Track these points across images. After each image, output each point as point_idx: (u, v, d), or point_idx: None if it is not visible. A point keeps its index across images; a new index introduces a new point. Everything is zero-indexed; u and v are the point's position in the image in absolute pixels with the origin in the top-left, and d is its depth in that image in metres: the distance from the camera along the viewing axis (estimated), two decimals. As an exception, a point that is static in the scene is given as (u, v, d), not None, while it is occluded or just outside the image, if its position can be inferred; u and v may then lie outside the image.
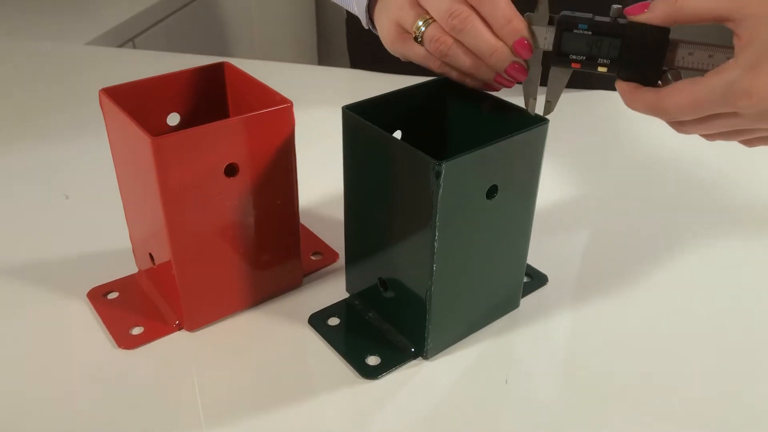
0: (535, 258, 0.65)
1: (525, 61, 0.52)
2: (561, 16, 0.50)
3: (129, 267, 0.63)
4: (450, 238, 0.49)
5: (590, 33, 0.49)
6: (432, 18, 0.52)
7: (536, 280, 0.63)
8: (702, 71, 0.47)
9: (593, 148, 0.84)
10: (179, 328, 0.57)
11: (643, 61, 0.48)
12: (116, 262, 0.64)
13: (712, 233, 0.69)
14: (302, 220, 0.70)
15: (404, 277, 0.53)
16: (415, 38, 0.53)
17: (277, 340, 0.56)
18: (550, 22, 0.51)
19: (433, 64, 0.56)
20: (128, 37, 1.45)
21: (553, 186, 0.76)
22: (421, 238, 0.49)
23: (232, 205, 0.53)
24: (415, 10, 0.53)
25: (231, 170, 0.52)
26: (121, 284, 0.61)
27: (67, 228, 0.70)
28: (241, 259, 0.56)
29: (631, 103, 0.50)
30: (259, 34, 2.10)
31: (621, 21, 0.48)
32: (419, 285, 0.51)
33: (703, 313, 0.59)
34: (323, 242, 0.67)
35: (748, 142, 0.51)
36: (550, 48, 0.52)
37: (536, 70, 0.53)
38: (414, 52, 0.55)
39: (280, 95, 0.54)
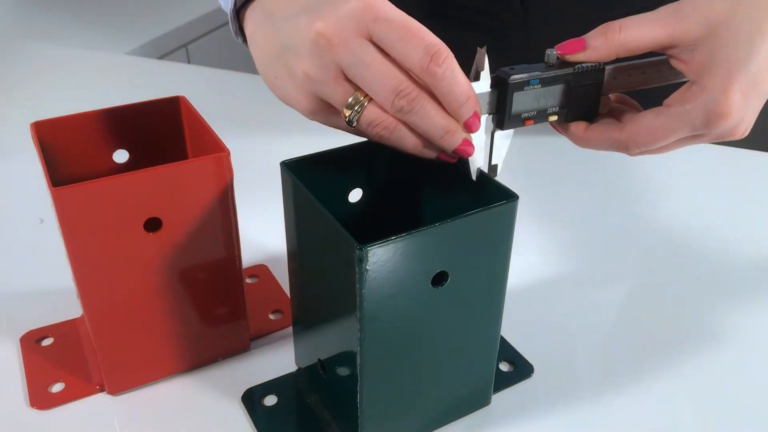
0: (523, 342, 0.55)
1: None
2: (510, 79, 0.44)
3: (76, 309, 0.58)
4: (382, 330, 0.41)
5: (540, 86, 0.45)
6: (366, 97, 0.43)
7: (519, 369, 0.53)
8: (636, 90, 0.48)
9: (594, 208, 0.73)
10: (102, 389, 0.51)
11: (585, 98, 0.47)
12: (65, 302, 0.59)
13: (721, 312, 0.58)
14: (275, 271, 0.63)
15: (337, 364, 0.45)
16: (348, 121, 0.44)
17: (203, 415, 0.50)
18: (493, 84, 0.45)
19: (368, 136, 0.47)
20: (171, 48, 1.43)
21: (553, 252, 0.66)
22: (348, 327, 0.41)
23: (156, 263, 0.47)
24: (342, 86, 0.42)
25: (153, 225, 0.46)
26: (60, 329, 0.57)
27: (22, 258, 0.66)
28: (171, 321, 0.50)
29: (586, 143, 0.48)
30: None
31: (557, 63, 0.46)
32: (350, 375, 0.43)
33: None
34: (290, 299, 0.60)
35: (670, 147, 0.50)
36: (494, 111, 0.46)
37: (484, 139, 0.45)
38: (343, 125, 0.46)
39: (220, 142, 0.47)
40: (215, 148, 0.47)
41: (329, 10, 0.42)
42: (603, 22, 0.46)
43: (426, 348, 0.44)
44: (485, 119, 0.45)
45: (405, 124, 0.42)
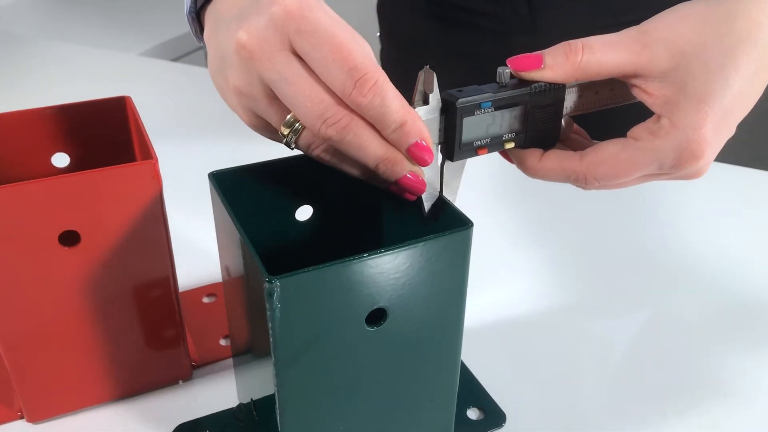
0: (499, 386, 0.49)
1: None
2: (458, 103, 0.37)
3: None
4: (304, 377, 0.35)
5: (493, 109, 0.38)
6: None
7: (490, 418, 0.47)
8: (589, 111, 0.42)
9: (595, 229, 0.66)
10: (22, 416, 0.47)
11: (544, 121, 0.41)
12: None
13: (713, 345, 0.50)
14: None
15: (266, 408, 0.39)
16: (286, 143, 0.38)
17: (126, 453, 0.45)
18: (443, 110, 0.38)
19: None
20: (186, 50, 1.40)
21: (545, 280, 0.59)
22: (266, 371, 0.35)
23: (75, 281, 0.42)
24: (274, 106, 0.37)
25: (69, 239, 0.41)
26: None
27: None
28: (95, 345, 0.45)
29: (537, 173, 0.42)
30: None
31: (511, 83, 0.40)
32: (275, 422, 0.37)
33: None
34: (245, 322, 0.55)
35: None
36: (442, 139, 0.39)
37: (434, 171, 0.39)
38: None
39: (150, 149, 0.42)
40: (138, 155, 0.42)
41: (253, 18, 0.36)
42: (613, 29, 0.40)
43: (364, 396, 0.38)
44: (437, 149, 0.39)
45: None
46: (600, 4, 0.75)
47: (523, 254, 0.63)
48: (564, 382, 0.50)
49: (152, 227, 0.43)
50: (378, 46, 0.96)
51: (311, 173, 0.42)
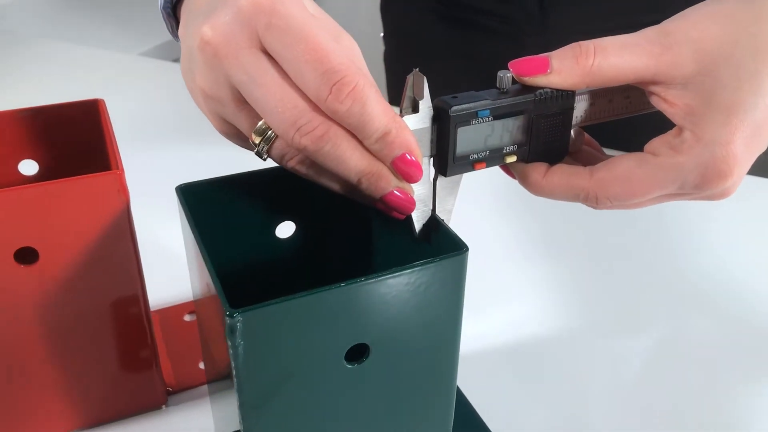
0: (496, 415, 0.45)
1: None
2: (452, 111, 0.33)
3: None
4: (273, 420, 0.31)
5: (492, 118, 0.34)
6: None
7: (489, 455, 0.43)
8: (601, 122, 0.38)
9: (611, 246, 0.61)
10: (-19, 444, 0.43)
11: (551, 132, 0.37)
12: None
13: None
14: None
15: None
16: (258, 153, 0.34)
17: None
18: (435, 119, 0.34)
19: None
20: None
21: (558, 303, 0.55)
22: (232, 410, 0.31)
23: (33, 301, 0.39)
24: (243, 111, 0.33)
25: (26, 256, 0.37)
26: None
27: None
28: (56, 370, 0.41)
29: (542, 191, 0.37)
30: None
31: (513, 89, 0.35)
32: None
33: None
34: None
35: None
36: (434, 152, 0.35)
37: (426, 188, 0.35)
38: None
39: (116, 158, 0.39)
40: (103, 166, 0.38)
41: (220, 12, 0.32)
42: (631, 30, 0.36)
43: (344, 437, 0.34)
44: (428, 163, 0.35)
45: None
46: (616, 2, 0.70)
47: (524, 273, 0.58)
48: (569, 411, 0.46)
49: (118, 244, 0.39)
50: (381, 47, 0.92)
51: (293, 185, 0.38)
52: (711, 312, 0.54)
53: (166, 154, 0.75)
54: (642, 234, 0.63)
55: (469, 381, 0.46)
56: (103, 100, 0.46)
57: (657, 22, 0.36)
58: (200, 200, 0.36)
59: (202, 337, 0.40)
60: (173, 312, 0.54)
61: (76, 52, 1.09)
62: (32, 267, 0.38)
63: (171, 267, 0.50)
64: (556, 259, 0.60)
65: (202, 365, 0.49)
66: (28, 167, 0.46)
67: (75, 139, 0.46)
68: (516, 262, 0.60)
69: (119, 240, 0.39)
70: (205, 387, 0.48)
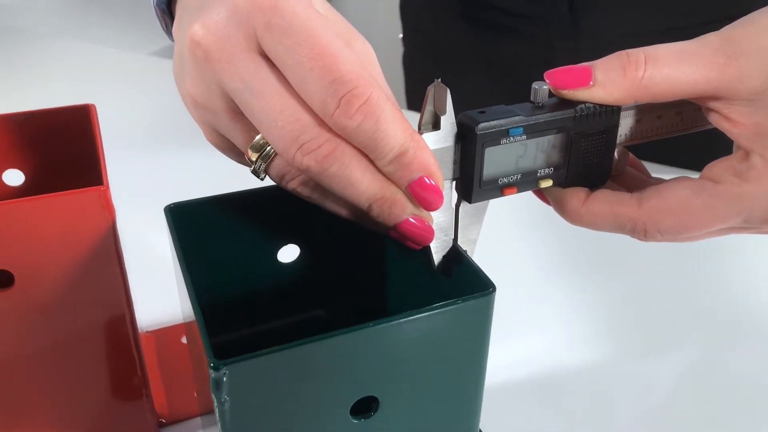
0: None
1: None
2: (479, 128, 0.29)
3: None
4: (267, 482, 0.27)
5: (525, 137, 0.29)
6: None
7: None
8: (649, 140, 0.34)
9: (644, 266, 0.57)
10: (-46, 481, 0.39)
11: (592, 154, 0.32)
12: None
13: None
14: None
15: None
16: (254, 172, 0.30)
17: None
18: (459, 137, 0.30)
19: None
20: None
21: (590, 332, 0.50)
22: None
23: (9, 328, 0.35)
24: (239, 123, 0.30)
25: (1, 280, 0.34)
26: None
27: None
28: (35, 403, 0.38)
29: (582, 220, 0.33)
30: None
31: (549, 103, 0.31)
32: None
33: None
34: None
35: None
36: (457, 175, 0.30)
37: (447, 215, 0.30)
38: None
39: (102, 171, 0.35)
40: (87, 180, 0.34)
41: (214, 9, 0.28)
42: (671, 35, 0.31)
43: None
44: (451, 187, 0.30)
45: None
46: (656, 4, 0.66)
47: (549, 298, 0.54)
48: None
49: (103, 266, 0.35)
50: (400, 50, 0.88)
51: (297, 205, 0.34)
52: (748, 341, 0.49)
53: (173, 161, 0.71)
54: (676, 256, 0.58)
55: (491, 417, 0.42)
56: (93, 106, 0.42)
57: (697, 25, 0.32)
58: (193, 221, 0.32)
59: (193, 364, 0.36)
60: (171, 333, 0.50)
61: (84, 50, 1.06)
62: (7, 292, 0.34)
63: (169, 282, 0.46)
64: (582, 283, 0.55)
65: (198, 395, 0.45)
66: (13, 177, 0.43)
67: (64, 147, 0.43)
68: (540, 287, 0.55)
69: (104, 262, 0.35)
70: (201, 418, 0.44)
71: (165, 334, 0.50)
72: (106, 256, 0.35)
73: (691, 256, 0.58)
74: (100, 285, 0.36)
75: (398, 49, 0.88)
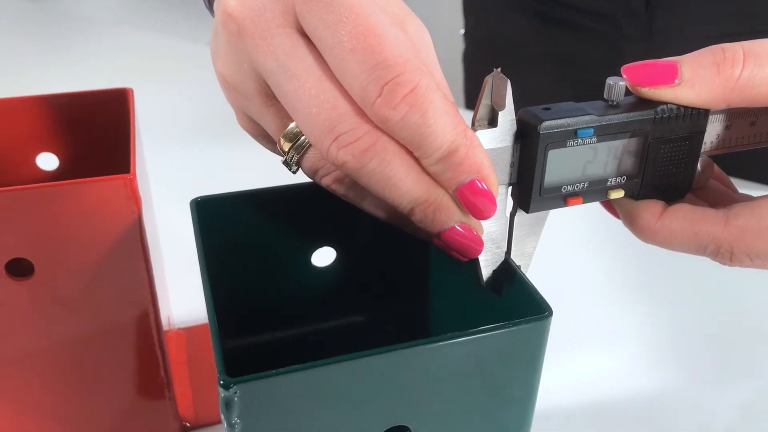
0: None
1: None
2: (542, 127, 0.25)
3: None
4: None
5: (595, 140, 0.26)
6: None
7: None
8: (737, 149, 0.29)
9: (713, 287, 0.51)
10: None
11: (670, 164, 0.28)
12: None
13: None
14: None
15: None
16: (286, 164, 0.27)
17: None
18: (518, 136, 0.26)
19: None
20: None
21: (658, 359, 0.46)
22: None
23: (25, 320, 0.33)
24: (272, 108, 0.27)
25: (19, 269, 0.32)
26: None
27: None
28: (50, 401, 0.36)
29: (657, 235, 0.28)
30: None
31: (626, 102, 0.27)
32: None
33: None
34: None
35: None
36: (514, 180, 0.27)
37: (500, 224, 0.27)
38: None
39: (132, 159, 0.33)
40: (115, 168, 0.32)
41: None
42: (750, 38, 0.27)
43: None
44: (506, 193, 0.27)
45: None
46: (736, 4, 0.60)
47: (609, 320, 0.49)
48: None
49: (127, 258, 0.33)
50: (461, 46, 0.85)
51: (335, 204, 0.31)
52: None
53: (218, 153, 0.70)
54: (753, 280, 0.53)
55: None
56: (131, 89, 0.40)
57: None
58: (221, 217, 0.30)
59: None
60: (203, 331, 0.48)
61: (147, 39, 1.07)
62: (26, 281, 0.32)
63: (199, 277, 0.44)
64: (651, 301, 0.51)
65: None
66: (47, 161, 0.41)
67: (100, 132, 0.41)
68: (599, 306, 0.51)
69: (128, 255, 0.33)
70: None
71: (197, 332, 0.48)
72: (131, 249, 0.33)
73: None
74: (124, 279, 0.33)
75: (459, 46, 0.85)
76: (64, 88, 0.41)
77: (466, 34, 0.83)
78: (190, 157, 0.69)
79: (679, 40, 0.63)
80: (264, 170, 0.40)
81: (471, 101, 0.86)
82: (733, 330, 0.48)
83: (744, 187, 0.32)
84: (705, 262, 0.44)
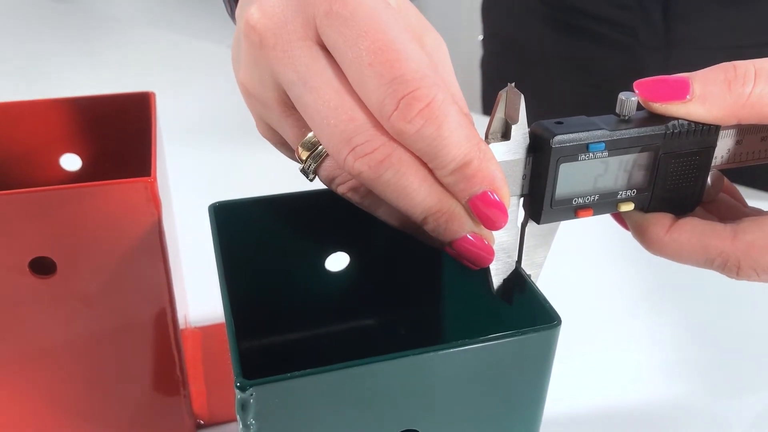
0: None
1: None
2: (554, 141, 0.26)
3: None
4: None
5: (607, 154, 0.26)
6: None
7: None
8: (746, 164, 0.30)
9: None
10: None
11: (680, 178, 0.29)
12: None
13: None
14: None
15: None
16: (303, 171, 0.28)
17: None
18: (531, 149, 0.27)
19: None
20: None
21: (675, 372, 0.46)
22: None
23: (47, 317, 0.34)
24: (291, 118, 0.28)
25: (42, 267, 0.33)
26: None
27: None
28: (67, 397, 0.37)
29: (666, 248, 0.29)
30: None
31: (637, 117, 0.28)
32: None
33: None
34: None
35: None
36: (526, 191, 0.27)
37: (511, 234, 0.27)
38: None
39: (152, 163, 0.33)
40: (134, 171, 0.33)
41: None
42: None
43: None
44: (518, 203, 0.27)
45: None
46: (753, 15, 0.60)
47: (618, 330, 0.50)
48: None
49: (146, 259, 0.34)
50: (480, 52, 0.85)
51: (349, 211, 0.32)
52: None
53: (241, 157, 0.71)
54: (762, 294, 0.53)
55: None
56: (153, 93, 0.41)
57: None
58: (238, 221, 0.30)
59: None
60: (218, 331, 0.48)
61: (176, 42, 1.08)
62: (48, 279, 0.33)
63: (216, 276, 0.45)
64: (661, 312, 0.51)
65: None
66: (71, 162, 0.42)
67: (122, 135, 0.42)
68: (608, 316, 0.51)
69: (148, 256, 0.34)
70: (241, 423, 0.42)
71: (213, 332, 0.48)
72: (150, 250, 0.34)
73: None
74: (143, 279, 0.34)
75: (477, 53, 0.85)
76: (88, 88, 0.42)
77: (484, 41, 0.84)
78: (210, 160, 0.70)
79: (696, 50, 0.63)
80: (281, 176, 0.41)
81: (488, 107, 0.86)
82: (745, 341, 0.48)
83: (750, 196, 0.32)
84: (716, 273, 0.44)
